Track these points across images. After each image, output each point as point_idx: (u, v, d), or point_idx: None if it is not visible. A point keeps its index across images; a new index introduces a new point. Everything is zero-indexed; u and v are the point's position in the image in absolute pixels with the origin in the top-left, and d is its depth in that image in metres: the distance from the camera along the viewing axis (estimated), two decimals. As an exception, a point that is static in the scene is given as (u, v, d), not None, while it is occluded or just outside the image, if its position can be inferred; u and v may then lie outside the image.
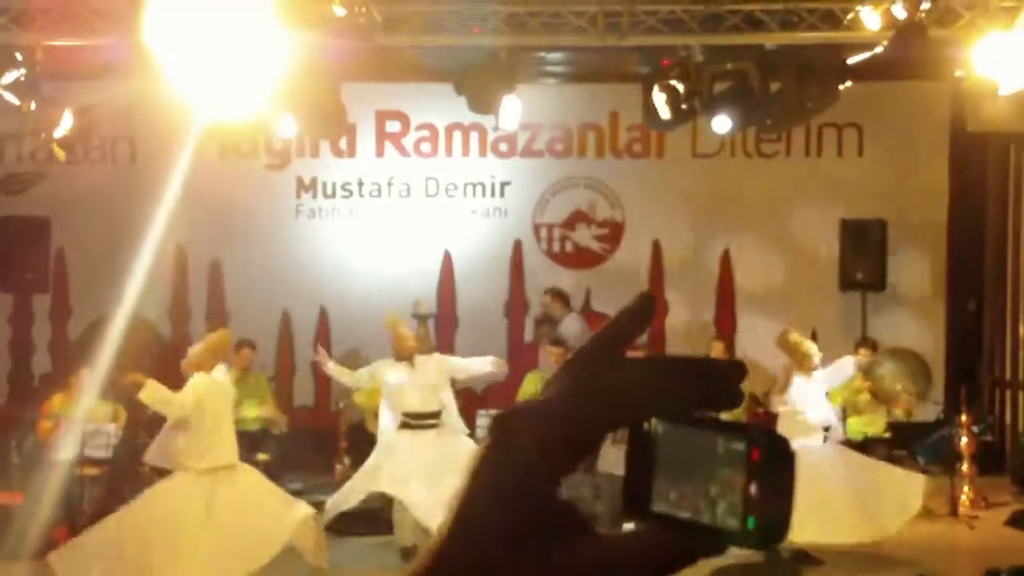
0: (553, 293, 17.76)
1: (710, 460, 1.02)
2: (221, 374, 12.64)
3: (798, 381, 13.60)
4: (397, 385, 13.55)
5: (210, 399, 12.13)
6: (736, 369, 1.07)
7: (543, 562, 1.03)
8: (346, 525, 13.65)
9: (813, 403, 13.51)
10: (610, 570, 1.04)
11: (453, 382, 14.04)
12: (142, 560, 11.78)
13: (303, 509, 12.25)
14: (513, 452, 1.05)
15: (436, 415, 13.61)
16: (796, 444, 13.19)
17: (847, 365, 14.11)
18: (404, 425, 13.56)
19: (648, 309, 1.13)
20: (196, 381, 12.20)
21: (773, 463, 1.01)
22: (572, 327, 17.30)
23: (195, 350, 12.64)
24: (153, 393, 11.90)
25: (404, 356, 13.68)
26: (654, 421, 1.06)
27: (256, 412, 15.82)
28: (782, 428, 13.57)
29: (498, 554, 1.04)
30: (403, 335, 13.84)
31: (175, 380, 12.62)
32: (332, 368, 14.02)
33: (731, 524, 1.01)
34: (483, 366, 14.03)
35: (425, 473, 13.12)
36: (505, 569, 1.03)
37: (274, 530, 12.05)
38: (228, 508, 12.00)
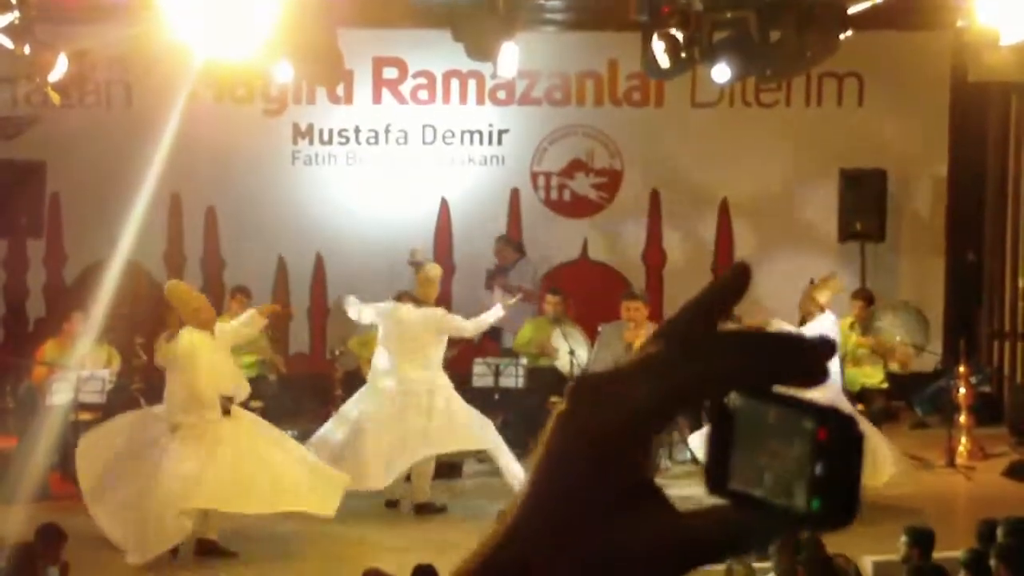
0: (504, 240, 17.74)
1: (782, 438, 1.01)
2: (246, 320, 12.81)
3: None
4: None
5: (196, 352, 12.16)
6: (824, 346, 1.05)
7: (617, 534, 1.03)
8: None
9: None
10: (684, 546, 1.03)
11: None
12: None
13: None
14: (589, 421, 1.04)
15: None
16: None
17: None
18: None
19: (743, 279, 1.11)
20: (184, 334, 12.26)
21: (840, 444, 1.00)
22: (522, 272, 17.33)
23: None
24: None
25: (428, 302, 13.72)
26: (734, 395, 1.04)
27: (251, 359, 15.82)
28: None
29: (572, 525, 1.03)
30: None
31: (168, 326, 12.66)
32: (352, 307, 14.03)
33: (798, 504, 1.00)
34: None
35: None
36: (578, 540, 1.03)
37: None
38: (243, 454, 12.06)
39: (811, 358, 1.04)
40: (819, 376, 1.04)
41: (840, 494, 0.99)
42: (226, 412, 12.20)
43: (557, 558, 1.03)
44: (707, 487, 1.05)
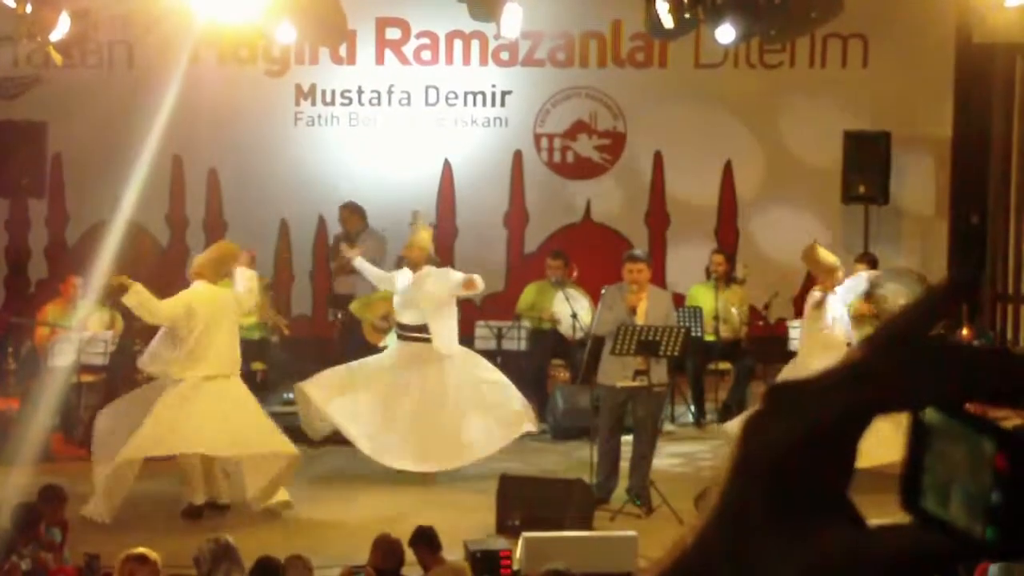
0: (350, 208, 17.40)
1: (966, 460, 0.98)
2: (244, 280, 12.70)
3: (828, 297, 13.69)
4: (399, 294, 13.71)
5: (205, 309, 12.09)
6: None
7: (805, 544, 1.00)
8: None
9: (836, 319, 13.54)
10: (871, 562, 1.00)
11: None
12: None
13: (282, 443, 12.31)
14: (785, 425, 1.01)
15: (419, 329, 13.59)
16: (819, 362, 13.38)
17: (861, 280, 14.18)
18: (398, 336, 13.77)
19: (962, 290, 1.07)
20: (191, 290, 12.21)
21: (1019, 472, 0.96)
22: (368, 241, 17.19)
23: (199, 259, 12.65)
24: (135, 296, 11.90)
25: (409, 265, 13.75)
26: (930, 411, 1.00)
27: (253, 320, 15.78)
28: (806, 345, 13.74)
29: (760, 532, 1.01)
30: (410, 243, 13.89)
31: (173, 288, 12.62)
32: (359, 261, 14.07)
33: (974, 530, 0.96)
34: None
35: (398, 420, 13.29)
36: (766, 546, 1.01)
37: (247, 435, 12.11)
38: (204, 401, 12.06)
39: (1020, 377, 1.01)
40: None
41: (1017, 524, 0.95)
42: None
43: (743, 569, 1.01)
44: (900, 503, 1.02)
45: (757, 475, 1.01)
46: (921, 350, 1.01)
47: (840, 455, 1.02)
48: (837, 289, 13.64)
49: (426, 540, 9.75)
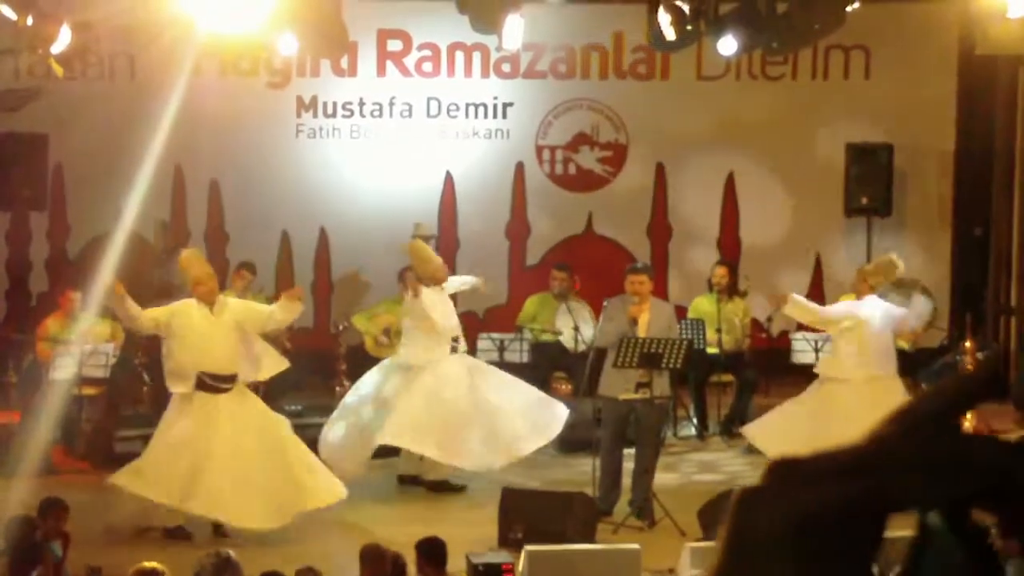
0: (164, 224, 17.36)
1: (945, 571, 0.92)
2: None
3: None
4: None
5: (177, 322, 12.09)
6: None
7: None
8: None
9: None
10: None
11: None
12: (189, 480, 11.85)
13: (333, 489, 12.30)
14: (773, 510, 0.97)
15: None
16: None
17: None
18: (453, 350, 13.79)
19: (994, 379, 1.01)
20: (180, 301, 12.28)
21: None
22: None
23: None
24: (120, 298, 12.02)
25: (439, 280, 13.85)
26: (933, 515, 0.95)
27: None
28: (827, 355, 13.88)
29: None
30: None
31: (173, 299, 12.64)
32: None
33: None
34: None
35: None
36: None
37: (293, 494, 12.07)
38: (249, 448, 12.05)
39: None
40: None
41: None
42: (213, 389, 12.08)
43: None
44: None
45: (744, 554, 0.97)
46: (938, 445, 0.95)
47: (842, 543, 0.96)
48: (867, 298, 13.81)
49: (433, 552, 9.66)
